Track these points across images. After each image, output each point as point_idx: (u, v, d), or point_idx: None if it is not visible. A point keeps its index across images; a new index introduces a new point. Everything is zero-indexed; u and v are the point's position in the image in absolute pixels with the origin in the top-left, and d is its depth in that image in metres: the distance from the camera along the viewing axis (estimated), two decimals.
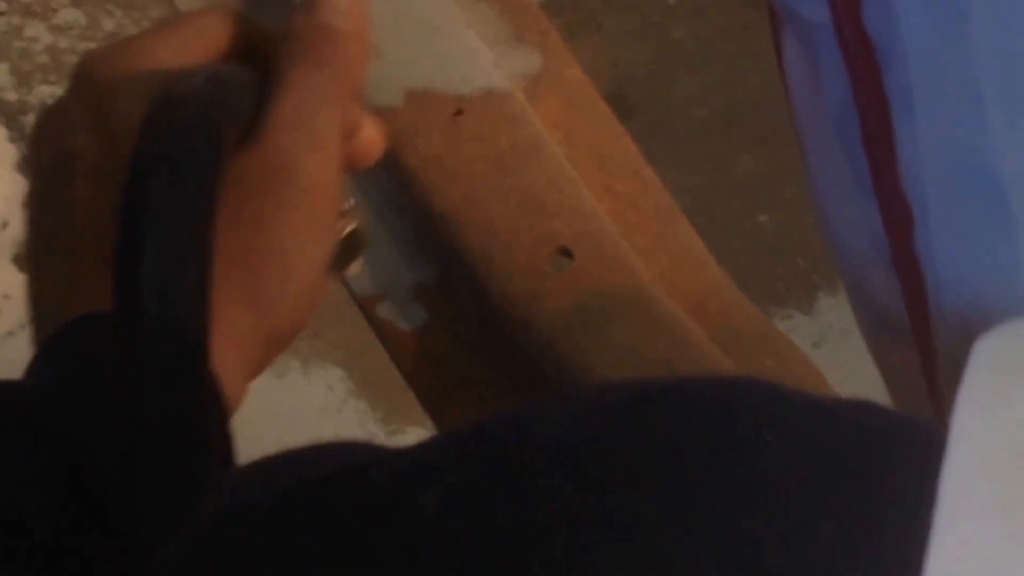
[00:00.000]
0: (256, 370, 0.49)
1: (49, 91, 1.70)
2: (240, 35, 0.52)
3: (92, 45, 1.72)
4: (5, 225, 1.63)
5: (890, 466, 0.30)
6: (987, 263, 0.38)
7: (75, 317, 0.47)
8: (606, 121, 0.71)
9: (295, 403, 1.55)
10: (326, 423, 1.59)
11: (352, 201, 0.56)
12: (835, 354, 1.58)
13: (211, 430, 0.43)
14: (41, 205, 0.50)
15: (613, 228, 0.65)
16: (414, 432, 1.58)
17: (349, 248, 0.57)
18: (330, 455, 0.36)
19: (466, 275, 0.64)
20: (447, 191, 0.66)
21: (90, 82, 0.50)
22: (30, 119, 1.69)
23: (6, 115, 1.69)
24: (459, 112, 0.68)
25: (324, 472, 0.33)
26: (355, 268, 0.60)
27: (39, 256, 0.50)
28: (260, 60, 0.51)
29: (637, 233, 0.66)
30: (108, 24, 1.72)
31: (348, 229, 0.57)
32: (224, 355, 0.46)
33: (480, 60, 0.70)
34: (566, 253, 0.64)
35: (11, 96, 1.71)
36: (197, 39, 0.51)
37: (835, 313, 1.62)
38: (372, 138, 0.55)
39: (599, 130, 0.70)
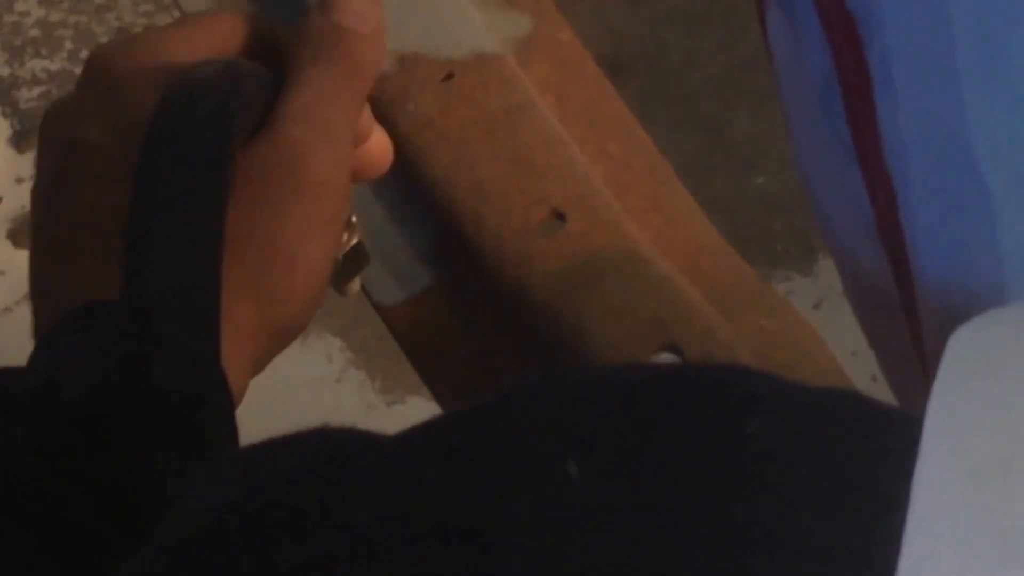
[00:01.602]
0: (258, 366, 0.49)
1: (41, 65, 1.69)
2: (252, 35, 0.52)
3: (83, 18, 1.71)
4: None
5: (874, 458, 0.30)
6: (965, 241, 0.38)
7: (77, 306, 0.46)
8: (598, 83, 0.71)
9: (293, 374, 1.55)
10: (325, 393, 1.59)
11: (355, 217, 0.55)
12: (835, 315, 1.58)
13: (214, 418, 0.43)
14: (48, 195, 0.50)
15: (606, 190, 0.65)
16: (413, 402, 1.58)
17: (351, 264, 0.55)
18: (306, 449, 0.34)
19: (459, 239, 0.64)
20: (439, 155, 0.66)
21: (102, 73, 0.49)
22: (22, 93, 1.68)
23: None
24: (450, 76, 0.68)
25: (294, 474, 0.32)
26: (355, 286, 0.58)
27: (44, 247, 0.50)
28: (273, 60, 0.51)
29: (630, 194, 0.66)
30: None
31: (351, 244, 0.55)
32: (226, 347, 0.45)
33: (470, 23, 0.69)
34: (559, 215, 0.64)
35: (3, 71, 1.70)
36: (210, 36, 0.51)
37: (835, 274, 1.61)
38: (381, 147, 0.55)
39: (591, 92, 0.70)
